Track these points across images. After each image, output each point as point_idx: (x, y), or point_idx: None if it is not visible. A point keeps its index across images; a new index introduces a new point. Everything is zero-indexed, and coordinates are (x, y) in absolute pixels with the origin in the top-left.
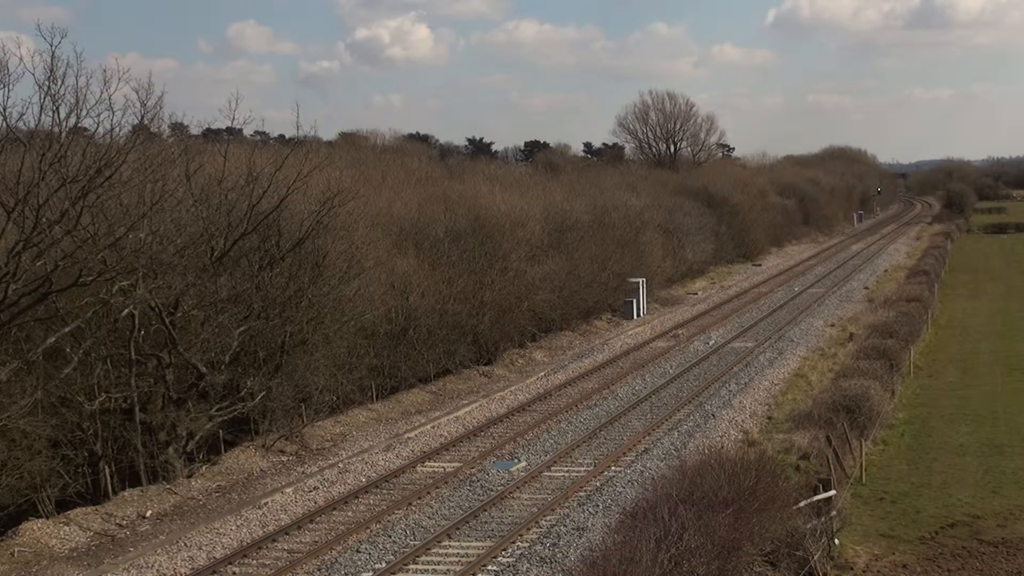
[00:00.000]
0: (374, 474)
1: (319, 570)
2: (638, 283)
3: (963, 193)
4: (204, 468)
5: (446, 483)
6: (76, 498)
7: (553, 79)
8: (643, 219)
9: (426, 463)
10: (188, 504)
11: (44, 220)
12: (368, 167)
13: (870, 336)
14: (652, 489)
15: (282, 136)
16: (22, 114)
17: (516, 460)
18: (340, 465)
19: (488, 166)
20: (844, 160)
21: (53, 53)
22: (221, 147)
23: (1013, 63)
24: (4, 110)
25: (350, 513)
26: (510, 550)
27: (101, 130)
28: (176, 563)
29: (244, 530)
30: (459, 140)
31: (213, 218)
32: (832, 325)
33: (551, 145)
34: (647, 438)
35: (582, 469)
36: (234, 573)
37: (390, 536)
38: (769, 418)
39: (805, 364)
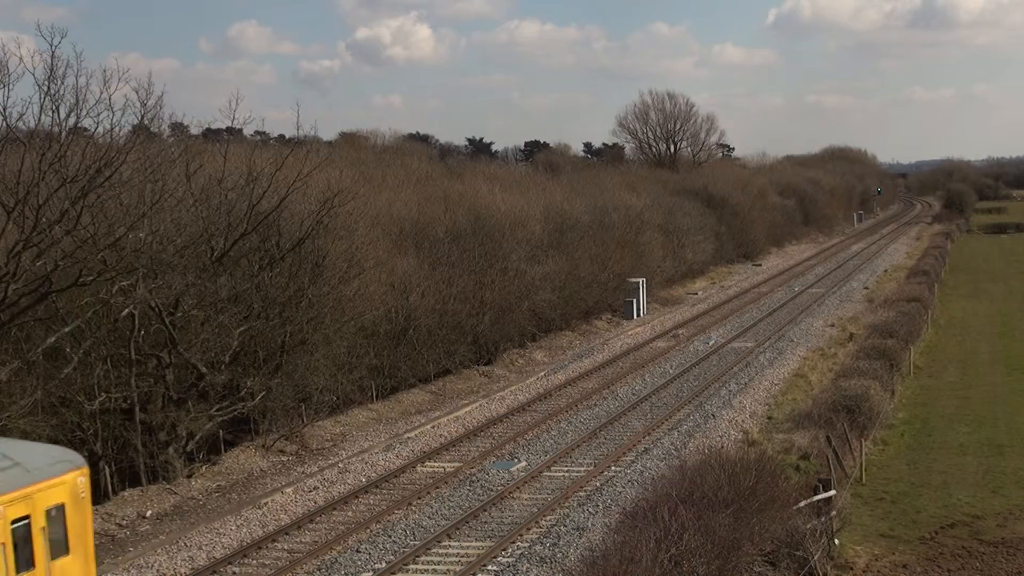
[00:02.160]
0: (374, 474)
1: (319, 570)
2: (638, 283)
3: (963, 193)
4: (204, 468)
5: (446, 483)
6: None
7: (554, 79)
8: (643, 219)
9: (426, 463)
10: (188, 504)
11: (44, 220)
12: (368, 167)
13: (870, 336)
14: (652, 489)
15: (282, 136)
16: (22, 114)
17: (516, 460)
18: (340, 465)
19: (488, 166)
20: (844, 160)
21: (53, 53)
22: (221, 147)
23: (1014, 63)
24: (4, 110)
25: (350, 513)
26: (510, 550)
27: (101, 130)
28: (176, 563)
29: (244, 530)
30: (459, 140)
31: (213, 218)
32: (832, 325)
33: (551, 145)
34: (647, 438)
35: (582, 469)
36: (234, 573)
37: (390, 536)
38: (769, 418)
39: (805, 364)
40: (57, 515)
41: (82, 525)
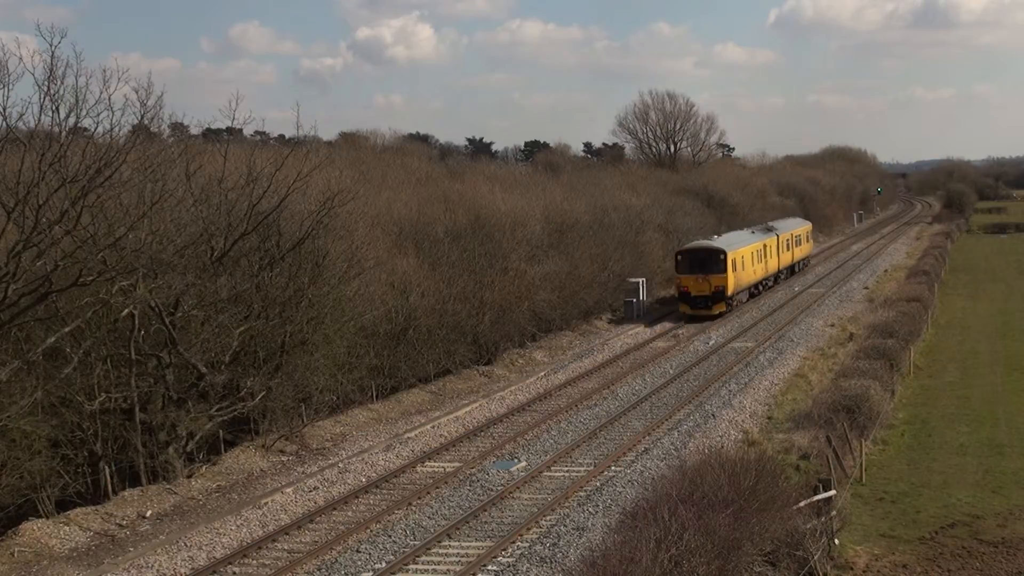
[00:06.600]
0: (374, 474)
1: (319, 570)
2: (638, 283)
3: (963, 193)
4: (204, 468)
5: (446, 483)
6: (76, 498)
7: (555, 79)
8: (643, 219)
9: (426, 463)
10: (188, 504)
11: (44, 220)
12: (368, 167)
13: (870, 336)
14: (652, 489)
15: (282, 136)
16: (22, 114)
17: (516, 460)
18: (340, 465)
19: (488, 166)
20: (844, 160)
21: (53, 53)
22: (221, 147)
23: (1015, 63)
24: (4, 110)
25: (350, 513)
26: (510, 550)
27: (101, 130)
28: (176, 563)
29: (244, 530)
30: (459, 140)
31: (213, 218)
32: (832, 325)
33: (551, 145)
34: (647, 438)
35: (582, 469)
36: (234, 573)
37: (390, 536)
38: (769, 418)
39: (805, 364)
40: (807, 233)
41: (807, 240)
